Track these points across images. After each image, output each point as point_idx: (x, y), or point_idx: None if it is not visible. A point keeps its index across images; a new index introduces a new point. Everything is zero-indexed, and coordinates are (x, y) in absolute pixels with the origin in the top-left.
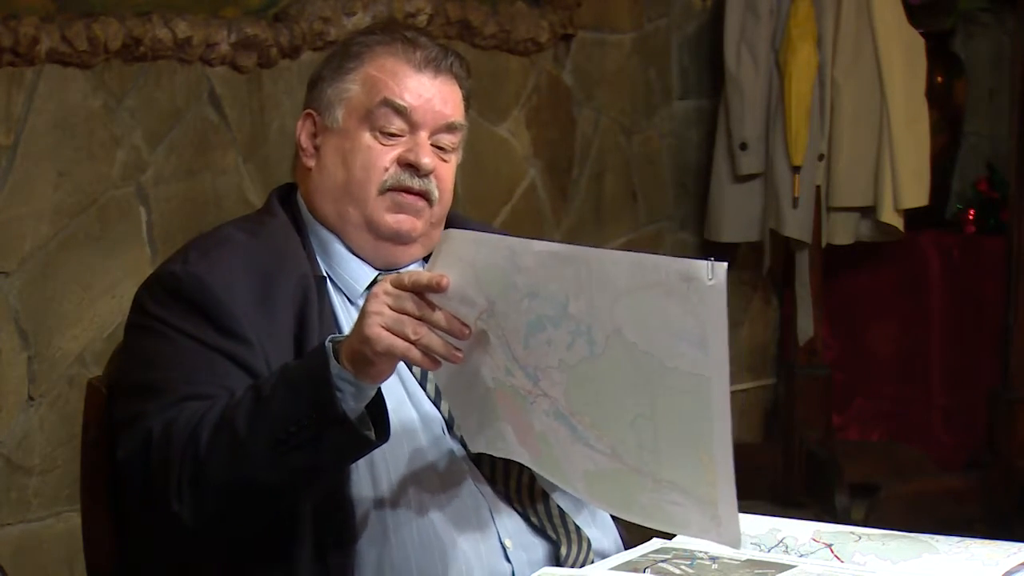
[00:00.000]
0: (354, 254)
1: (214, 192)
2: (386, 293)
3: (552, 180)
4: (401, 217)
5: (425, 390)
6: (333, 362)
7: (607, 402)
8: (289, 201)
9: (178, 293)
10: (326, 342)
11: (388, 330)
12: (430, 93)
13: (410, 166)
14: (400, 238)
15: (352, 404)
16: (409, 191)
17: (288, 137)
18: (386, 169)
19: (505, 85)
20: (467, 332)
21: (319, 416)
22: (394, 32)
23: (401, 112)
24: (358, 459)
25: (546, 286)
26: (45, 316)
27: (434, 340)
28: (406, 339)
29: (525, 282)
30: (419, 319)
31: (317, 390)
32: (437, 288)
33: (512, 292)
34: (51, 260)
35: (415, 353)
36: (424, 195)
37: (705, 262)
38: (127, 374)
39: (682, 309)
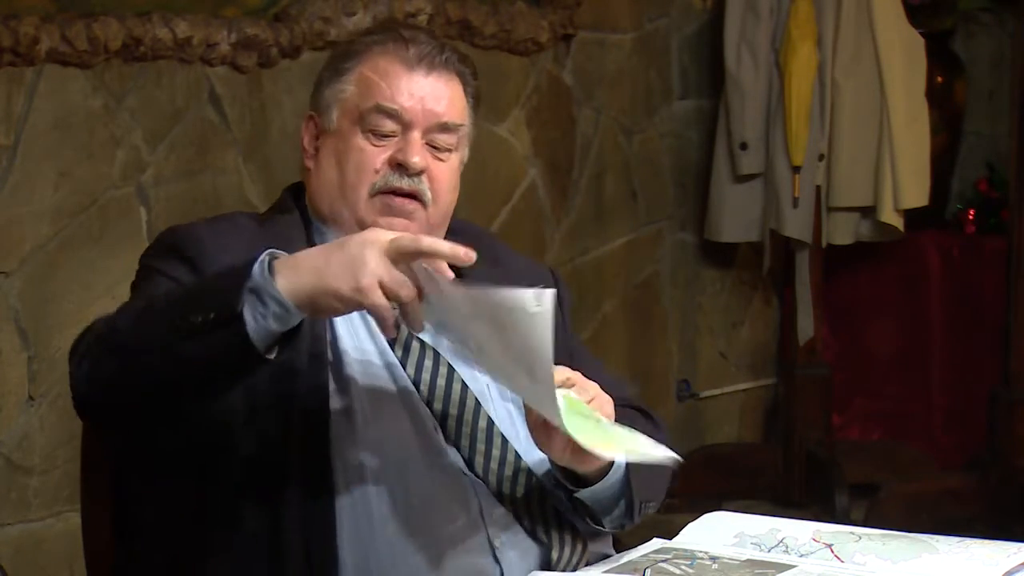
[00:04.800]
0: None
1: (214, 192)
2: (397, 251)
3: (552, 180)
4: (393, 220)
5: (418, 390)
6: (268, 280)
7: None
8: (300, 199)
9: (172, 246)
10: (263, 256)
11: (383, 288)
12: (423, 92)
13: (400, 166)
14: None
15: (273, 325)
16: (398, 192)
17: (289, 137)
18: (377, 171)
19: (505, 85)
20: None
21: (218, 314)
22: (391, 31)
23: (392, 115)
24: (244, 376)
25: (428, 296)
26: (45, 316)
27: (415, 308)
28: (397, 299)
29: (425, 286)
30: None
31: (228, 289)
32: (465, 259)
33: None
34: (51, 260)
35: (391, 315)
36: (414, 195)
37: (533, 291)
38: None
39: (512, 337)
